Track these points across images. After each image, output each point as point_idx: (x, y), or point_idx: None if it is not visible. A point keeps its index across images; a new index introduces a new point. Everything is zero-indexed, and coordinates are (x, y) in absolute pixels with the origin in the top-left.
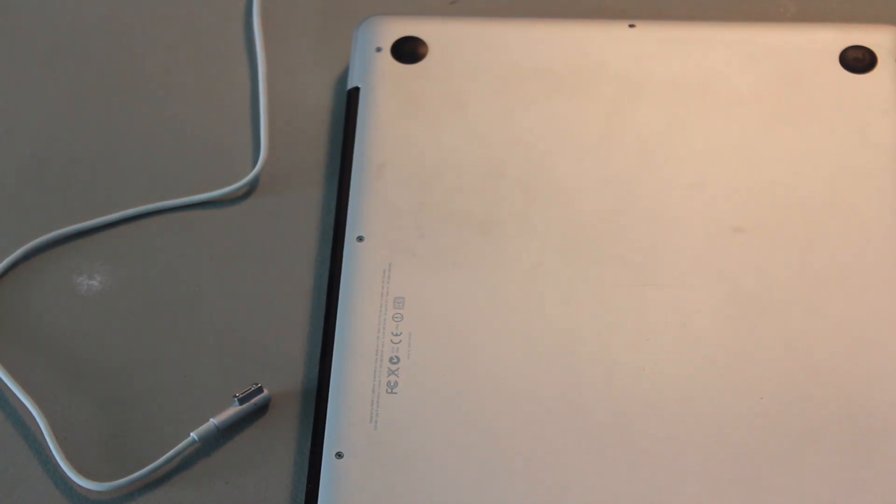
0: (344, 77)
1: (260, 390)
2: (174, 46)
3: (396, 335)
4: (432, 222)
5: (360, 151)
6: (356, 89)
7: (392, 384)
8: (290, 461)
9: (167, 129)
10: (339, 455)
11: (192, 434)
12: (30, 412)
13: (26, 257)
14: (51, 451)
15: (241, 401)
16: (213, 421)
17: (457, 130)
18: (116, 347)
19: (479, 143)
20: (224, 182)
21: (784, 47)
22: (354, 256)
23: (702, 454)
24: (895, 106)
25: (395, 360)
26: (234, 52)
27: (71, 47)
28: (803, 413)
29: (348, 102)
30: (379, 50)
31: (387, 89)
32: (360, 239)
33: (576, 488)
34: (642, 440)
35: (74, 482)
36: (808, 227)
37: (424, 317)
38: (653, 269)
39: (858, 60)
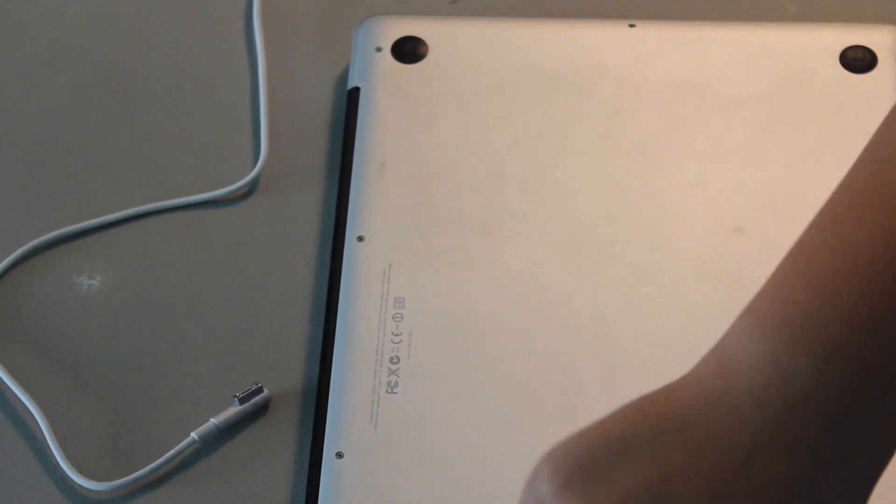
0: (344, 77)
1: (260, 390)
2: (174, 46)
3: (396, 335)
4: (432, 222)
5: (360, 151)
6: (356, 89)
7: (392, 384)
8: (290, 461)
9: (167, 129)
10: (339, 455)
11: (192, 434)
12: (30, 412)
13: (26, 257)
14: (51, 451)
15: (242, 401)
16: (214, 421)
17: (457, 130)
18: (116, 347)
19: (479, 143)
20: (224, 182)
21: (784, 47)
22: (354, 256)
23: None
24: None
25: (395, 360)
26: (234, 52)
27: (71, 47)
28: None
29: (348, 102)
30: (379, 50)
31: (387, 89)
32: (360, 239)
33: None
34: None
35: (74, 482)
36: None
37: (424, 317)
38: (653, 269)
39: (858, 60)
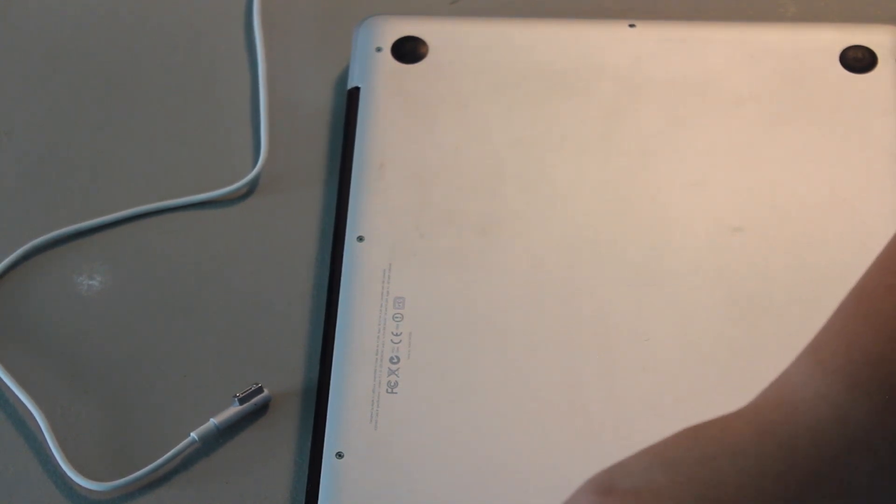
0: (344, 77)
1: (260, 390)
2: (174, 46)
3: (396, 335)
4: (432, 222)
5: (360, 151)
6: (356, 89)
7: (392, 384)
8: (290, 461)
9: (167, 129)
10: (339, 455)
11: (192, 434)
12: (30, 412)
13: (26, 257)
14: (51, 451)
15: (241, 401)
16: (213, 421)
17: (457, 130)
18: (116, 347)
19: (479, 143)
20: (224, 182)
21: (784, 47)
22: (354, 256)
23: None
24: (895, 106)
25: (395, 360)
26: (234, 52)
27: (71, 47)
28: None
29: (348, 102)
30: (379, 50)
31: (387, 89)
32: (360, 239)
33: (575, 488)
34: (643, 440)
35: (74, 482)
36: (808, 227)
37: (424, 317)
38: (653, 269)
39: (858, 60)
